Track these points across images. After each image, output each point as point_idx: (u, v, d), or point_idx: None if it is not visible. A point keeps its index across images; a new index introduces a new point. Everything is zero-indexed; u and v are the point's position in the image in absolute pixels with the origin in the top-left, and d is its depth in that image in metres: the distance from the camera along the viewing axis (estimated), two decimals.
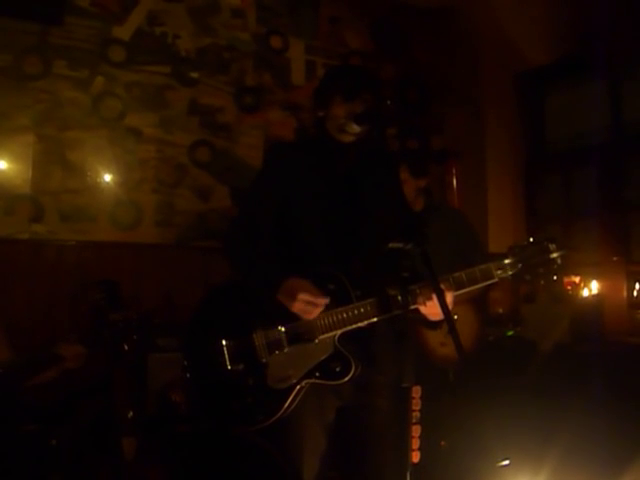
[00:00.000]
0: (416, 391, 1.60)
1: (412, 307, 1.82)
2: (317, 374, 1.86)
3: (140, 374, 3.16)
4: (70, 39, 3.76)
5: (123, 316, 2.35)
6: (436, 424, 2.71)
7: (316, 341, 1.86)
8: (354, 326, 1.85)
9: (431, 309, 1.81)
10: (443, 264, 1.80)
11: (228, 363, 1.92)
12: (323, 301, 1.83)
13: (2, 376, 2.20)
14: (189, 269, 3.83)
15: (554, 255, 1.82)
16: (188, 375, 2.00)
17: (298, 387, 1.86)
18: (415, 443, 1.60)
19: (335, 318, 1.85)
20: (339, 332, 1.85)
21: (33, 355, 2.28)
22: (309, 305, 1.82)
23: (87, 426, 2.91)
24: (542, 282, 1.85)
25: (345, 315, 1.85)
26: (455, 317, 2.62)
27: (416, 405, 1.61)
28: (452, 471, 2.75)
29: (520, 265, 1.83)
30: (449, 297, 1.77)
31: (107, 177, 3.83)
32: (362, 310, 1.84)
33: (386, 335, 1.89)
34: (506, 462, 1.51)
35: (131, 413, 3.08)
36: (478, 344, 3.07)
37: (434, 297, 1.72)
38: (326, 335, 1.85)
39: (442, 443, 3.01)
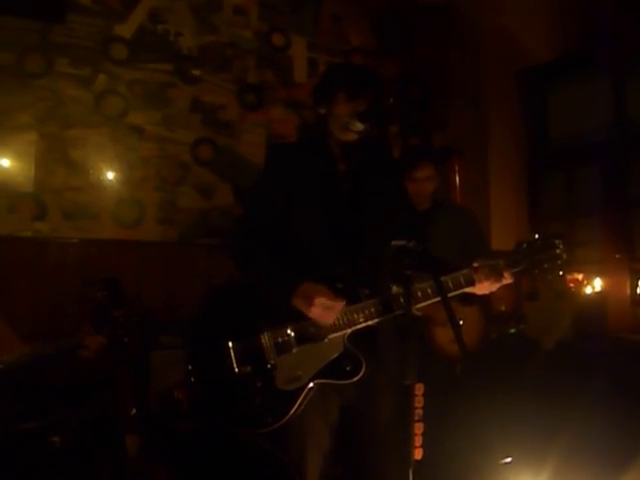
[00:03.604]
0: (419, 388, 1.60)
1: (416, 307, 1.81)
2: (327, 374, 1.84)
3: (143, 371, 3.17)
4: (72, 37, 3.77)
5: (124, 312, 2.37)
6: (439, 422, 2.71)
7: (326, 340, 1.84)
8: (363, 325, 1.84)
9: (482, 288, 1.85)
10: (450, 261, 1.83)
11: (235, 366, 1.87)
12: (341, 305, 1.81)
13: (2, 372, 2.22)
14: (192, 267, 3.83)
15: (560, 251, 1.84)
16: (193, 379, 1.97)
17: (308, 388, 1.84)
18: (418, 440, 1.60)
19: (345, 317, 1.84)
20: (349, 331, 1.85)
21: (59, 345, 2.35)
22: (327, 310, 1.80)
23: (90, 423, 2.92)
24: (549, 277, 1.86)
25: (355, 315, 1.84)
26: (461, 322, 2.65)
27: (419, 402, 1.60)
28: (455, 468, 2.75)
29: (528, 261, 1.84)
30: (507, 280, 1.83)
31: (109, 175, 3.83)
32: (372, 309, 1.84)
33: (391, 333, 1.89)
34: (508, 460, 1.51)
35: (134, 410, 3.09)
36: (482, 343, 3.09)
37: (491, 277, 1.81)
38: (336, 334, 1.84)
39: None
